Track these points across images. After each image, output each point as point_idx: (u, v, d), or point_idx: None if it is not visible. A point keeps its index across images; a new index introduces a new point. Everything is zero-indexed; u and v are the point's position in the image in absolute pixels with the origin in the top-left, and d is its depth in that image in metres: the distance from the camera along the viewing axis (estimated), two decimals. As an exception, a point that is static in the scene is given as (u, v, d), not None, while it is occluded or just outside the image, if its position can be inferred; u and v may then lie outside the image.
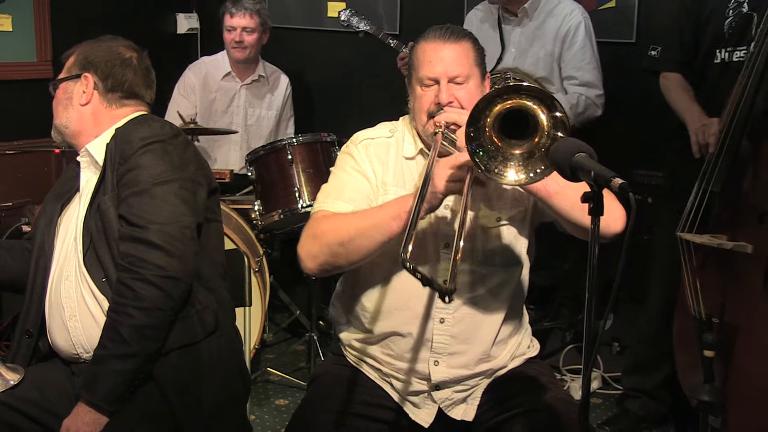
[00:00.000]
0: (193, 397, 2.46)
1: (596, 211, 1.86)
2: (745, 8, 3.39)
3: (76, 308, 2.50)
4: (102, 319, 2.41)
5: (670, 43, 3.64)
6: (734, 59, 3.43)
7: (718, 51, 3.47)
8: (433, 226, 2.49)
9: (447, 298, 1.98)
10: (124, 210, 2.43)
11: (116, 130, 2.56)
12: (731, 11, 3.43)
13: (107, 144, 2.53)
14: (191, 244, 2.44)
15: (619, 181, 1.78)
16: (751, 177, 3.15)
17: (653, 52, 3.67)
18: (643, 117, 3.87)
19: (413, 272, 1.99)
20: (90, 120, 2.63)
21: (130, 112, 2.65)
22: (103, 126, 2.62)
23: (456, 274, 2.04)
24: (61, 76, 2.68)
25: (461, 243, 2.10)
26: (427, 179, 2.23)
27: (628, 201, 1.76)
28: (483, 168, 2.13)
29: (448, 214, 2.47)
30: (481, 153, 2.13)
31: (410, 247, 2.04)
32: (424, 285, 2.00)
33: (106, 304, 2.43)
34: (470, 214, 2.50)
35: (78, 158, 2.65)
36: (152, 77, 2.74)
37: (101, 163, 2.53)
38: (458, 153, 2.23)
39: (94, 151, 2.58)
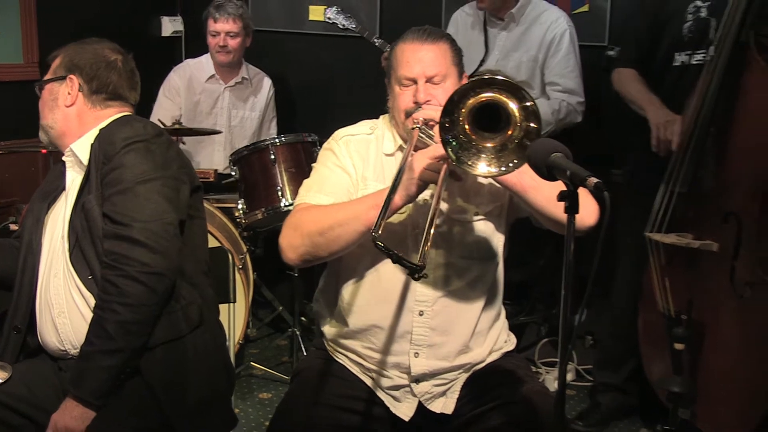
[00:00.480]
0: (179, 391, 2.45)
1: (572, 209, 1.87)
2: (704, 13, 3.42)
3: (64, 305, 2.49)
4: (89, 316, 2.40)
5: (627, 42, 3.67)
6: (693, 62, 3.46)
7: (677, 54, 3.50)
8: (412, 218, 2.50)
9: (417, 276, 2.03)
10: (107, 208, 2.42)
11: (100, 130, 2.56)
12: (690, 15, 3.46)
13: (91, 144, 2.53)
14: (174, 240, 2.44)
15: (594, 180, 1.80)
16: (715, 178, 3.18)
17: (611, 52, 3.71)
18: (612, 117, 3.89)
19: (384, 250, 2.04)
20: (75, 121, 2.62)
21: (114, 113, 2.64)
22: (87, 126, 2.61)
23: (425, 253, 2.06)
24: (47, 77, 2.67)
25: (432, 228, 2.12)
26: (402, 170, 2.26)
27: (603, 200, 1.77)
28: (454, 158, 2.16)
29: (428, 208, 2.49)
30: (454, 143, 2.16)
31: (381, 229, 2.07)
32: (394, 262, 2.05)
33: (92, 301, 2.42)
34: (448, 208, 2.52)
35: (63, 158, 2.63)
36: (137, 79, 2.73)
37: (86, 162, 2.53)
38: (435, 145, 2.26)
39: (78, 150, 2.57)
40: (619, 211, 3.65)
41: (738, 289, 3.09)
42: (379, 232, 2.07)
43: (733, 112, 3.14)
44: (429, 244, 2.10)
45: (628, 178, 3.88)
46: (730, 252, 3.11)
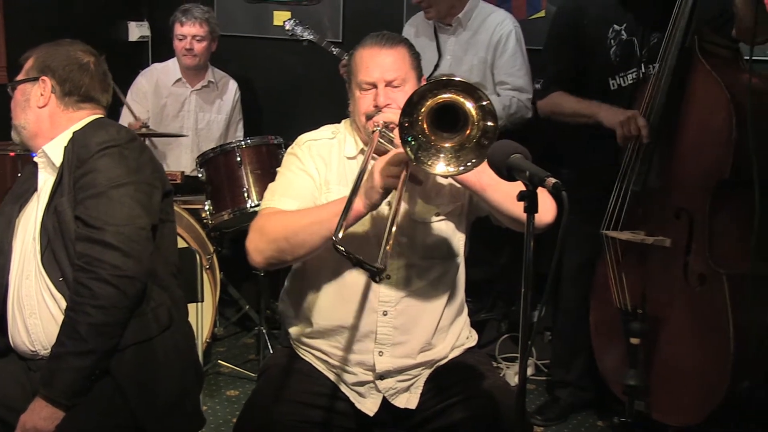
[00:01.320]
0: (149, 391, 2.43)
1: (531, 208, 1.88)
2: (624, 35, 3.47)
3: (36, 307, 2.45)
4: (60, 318, 2.37)
5: (551, 73, 3.68)
6: (628, 82, 3.51)
7: (611, 79, 3.53)
8: (374, 222, 2.49)
9: (378, 278, 2.03)
10: (80, 212, 2.38)
11: (74, 133, 2.51)
12: (612, 41, 3.49)
13: (65, 147, 2.49)
14: (146, 244, 2.41)
15: (552, 180, 1.81)
16: (666, 176, 3.21)
17: (537, 85, 3.73)
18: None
19: (344, 254, 2.04)
20: (47, 122, 2.57)
21: (87, 115, 2.60)
22: (59, 128, 2.57)
23: (387, 255, 2.07)
24: (20, 77, 2.63)
25: (393, 230, 2.13)
26: (362, 172, 2.26)
27: (561, 199, 1.78)
28: (413, 157, 2.16)
29: (390, 212, 2.48)
30: (413, 143, 2.16)
31: (341, 233, 2.08)
32: (354, 266, 2.07)
33: (63, 303, 2.39)
34: (409, 210, 2.52)
35: (35, 159, 2.60)
36: (109, 81, 2.69)
37: (58, 164, 2.49)
38: (395, 149, 2.26)
39: (51, 152, 2.53)
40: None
41: (691, 282, 3.12)
42: (340, 237, 2.08)
43: (680, 113, 3.18)
44: (389, 247, 2.10)
45: (577, 177, 3.90)
46: (683, 247, 3.15)
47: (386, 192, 2.23)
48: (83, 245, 2.36)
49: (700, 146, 3.12)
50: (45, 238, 2.45)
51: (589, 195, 3.46)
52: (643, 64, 3.44)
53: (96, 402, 2.35)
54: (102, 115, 2.64)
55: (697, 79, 3.14)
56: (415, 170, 2.26)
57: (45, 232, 2.45)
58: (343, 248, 2.05)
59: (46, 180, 2.55)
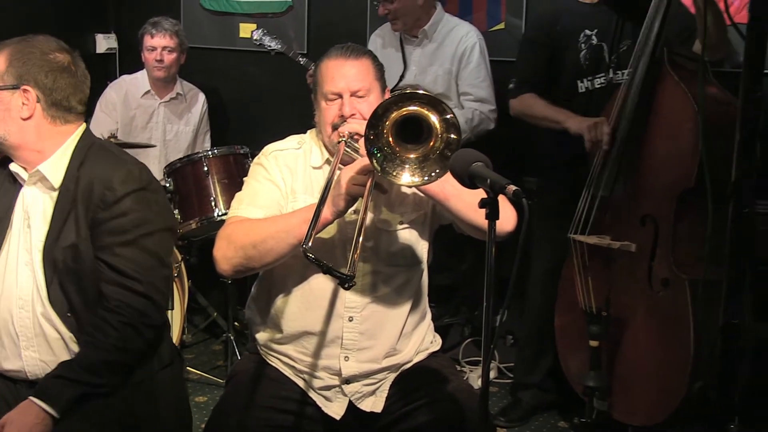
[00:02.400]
0: (147, 421, 2.45)
1: (492, 215, 1.88)
2: (594, 40, 3.52)
3: (33, 339, 2.37)
4: (61, 352, 2.36)
5: (525, 73, 3.72)
6: (596, 86, 3.56)
7: (579, 82, 3.58)
8: (341, 231, 2.49)
9: (347, 285, 2.05)
10: (109, 257, 2.33)
11: (82, 158, 2.38)
12: (583, 45, 3.54)
13: (69, 170, 2.37)
14: (168, 292, 2.48)
15: (513, 188, 1.81)
16: (633, 184, 3.23)
17: (511, 84, 3.76)
18: (527, 127, 3.91)
19: (314, 261, 2.07)
20: (33, 134, 2.37)
21: (75, 128, 2.44)
22: (48, 142, 2.39)
23: (355, 263, 2.09)
24: None
25: (360, 238, 2.15)
26: (329, 183, 2.26)
27: (522, 206, 1.78)
28: (379, 168, 2.17)
29: (356, 219, 2.47)
30: (378, 155, 2.17)
31: (311, 242, 2.10)
32: (324, 273, 2.10)
33: (68, 336, 2.36)
34: (374, 218, 2.52)
35: (19, 172, 2.42)
36: (88, 83, 2.51)
37: (57, 185, 2.37)
38: (360, 159, 2.26)
39: (49, 173, 2.38)
40: (532, 218, 3.69)
41: (654, 286, 3.14)
42: (309, 244, 2.09)
43: (648, 123, 3.20)
44: (358, 254, 2.11)
45: (541, 185, 3.92)
46: (648, 252, 3.17)
47: (352, 200, 2.23)
48: (115, 290, 2.32)
49: (667, 155, 3.14)
50: (51, 269, 2.35)
51: (554, 201, 3.48)
52: (611, 70, 3.50)
53: (89, 418, 2.31)
54: (85, 125, 2.50)
55: (665, 90, 3.17)
56: (380, 179, 2.26)
57: (52, 264, 2.34)
58: (313, 256, 2.07)
59: (36, 200, 2.40)
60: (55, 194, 2.38)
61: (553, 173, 3.73)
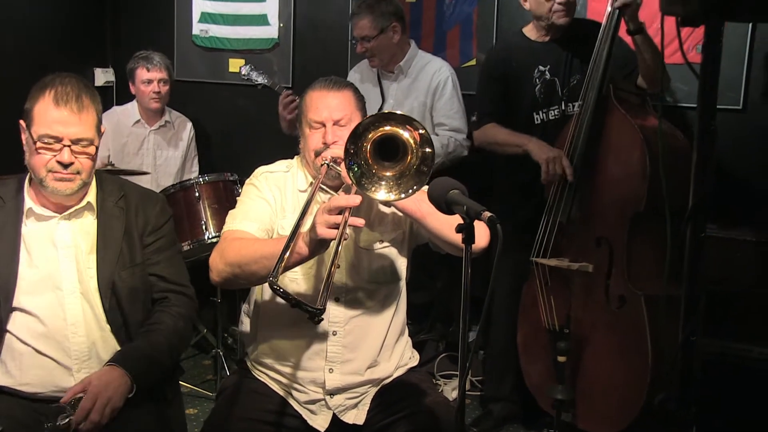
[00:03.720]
0: None
1: (468, 240, 1.89)
2: (548, 75, 3.60)
3: (86, 362, 2.42)
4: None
5: (485, 107, 3.76)
6: (551, 118, 3.63)
7: (535, 114, 3.64)
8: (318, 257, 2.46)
9: (316, 319, 2.04)
10: (161, 270, 2.56)
11: (103, 186, 2.53)
12: (537, 80, 3.62)
13: (99, 199, 2.51)
14: None
15: (488, 214, 1.83)
16: (588, 209, 3.28)
17: (473, 118, 3.80)
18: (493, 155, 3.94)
19: (282, 295, 2.07)
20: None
21: None
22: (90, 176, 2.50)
23: (326, 297, 2.07)
24: (96, 143, 2.45)
25: (333, 273, 2.13)
26: (308, 203, 2.29)
27: (496, 231, 1.79)
28: (355, 182, 2.18)
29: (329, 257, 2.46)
30: (356, 170, 2.18)
31: (279, 275, 2.11)
32: (292, 307, 2.07)
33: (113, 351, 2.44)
34: (356, 238, 2.54)
35: (42, 212, 2.45)
36: None
37: (95, 215, 2.49)
38: (335, 197, 2.26)
39: (92, 203, 2.50)
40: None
41: (612, 303, 3.17)
42: (277, 279, 2.09)
43: (599, 152, 3.26)
44: (329, 289, 2.10)
45: (498, 209, 3.93)
46: (604, 271, 3.20)
47: (328, 241, 2.18)
48: (168, 295, 2.57)
49: (618, 181, 3.19)
50: (108, 292, 2.43)
51: (511, 226, 3.49)
52: (563, 102, 3.57)
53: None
54: None
55: (613, 122, 3.23)
56: (355, 210, 2.24)
57: (109, 287, 2.43)
58: (281, 290, 2.07)
59: (74, 231, 2.45)
60: (95, 222, 2.46)
61: (509, 198, 3.77)
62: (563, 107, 3.59)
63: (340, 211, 2.16)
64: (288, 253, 2.16)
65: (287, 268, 2.24)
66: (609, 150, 3.23)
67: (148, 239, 2.55)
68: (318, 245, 2.21)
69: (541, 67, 3.60)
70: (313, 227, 2.18)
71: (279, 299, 2.47)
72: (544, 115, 3.62)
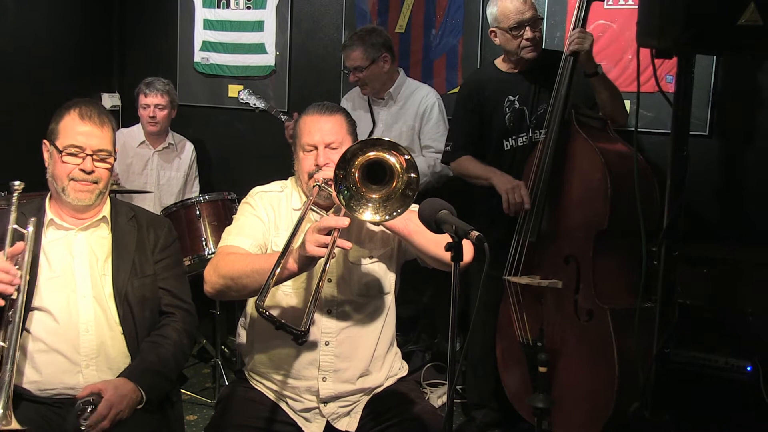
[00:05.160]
0: None
1: (457, 257, 1.88)
2: (517, 105, 3.62)
3: (95, 360, 2.43)
4: (119, 369, 2.45)
5: (458, 138, 3.76)
6: (519, 144, 3.64)
7: (505, 140, 3.66)
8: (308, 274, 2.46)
9: (300, 341, 2.05)
10: (170, 285, 2.61)
11: (133, 210, 2.64)
12: (507, 108, 3.64)
13: (113, 215, 2.58)
14: None
15: (475, 233, 1.82)
16: (555, 229, 3.28)
17: (448, 148, 3.79)
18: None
19: (267, 318, 2.07)
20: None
21: None
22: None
23: (312, 319, 2.09)
24: (111, 159, 2.57)
25: (319, 294, 2.16)
26: (300, 221, 2.29)
27: (484, 250, 1.78)
28: (344, 204, 2.18)
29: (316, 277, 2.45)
30: (345, 192, 2.19)
31: (266, 297, 2.10)
32: (277, 329, 2.08)
33: (127, 354, 2.47)
34: (346, 253, 2.51)
35: (63, 223, 2.52)
36: None
37: (109, 228, 2.56)
38: (325, 217, 2.27)
39: (108, 218, 2.58)
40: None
41: (581, 317, 3.16)
42: (263, 302, 2.08)
43: (564, 174, 3.26)
44: (316, 306, 2.11)
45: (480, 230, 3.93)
46: (572, 287, 3.19)
47: (316, 258, 2.19)
48: (174, 309, 2.60)
49: (582, 202, 3.20)
50: (122, 299, 2.48)
51: (491, 245, 3.47)
52: (531, 129, 3.60)
53: None
54: None
55: (576, 146, 3.24)
56: (344, 231, 2.24)
57: (123, 294, 2.48)
58: (267, 312, 2.07)
59: (91, 242, 2.52)
60: (109, 235, 2.55)
61: (482, 219, 3.76)
62: (530, 134, 3.60)
63: (330, 231, 2.17)
64: (279, 269, 2.17)
65: (278, 283, 2.25)
66: (573, 172, 3.24)
67: (158, 256, 2.60)
68: (307, 262, 2.20)
69: (510, 97, 3.62)
70: (302, 245, 2.18)
71: (273, 309, 2.48)
72: (514, 141, 3.64)
